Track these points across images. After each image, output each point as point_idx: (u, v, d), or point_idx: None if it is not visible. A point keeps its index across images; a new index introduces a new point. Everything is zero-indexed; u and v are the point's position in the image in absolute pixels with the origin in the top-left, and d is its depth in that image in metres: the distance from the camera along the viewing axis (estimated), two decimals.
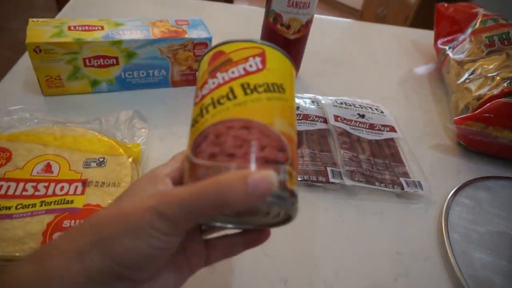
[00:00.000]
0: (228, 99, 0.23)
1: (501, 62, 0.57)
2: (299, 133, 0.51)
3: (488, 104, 0.51)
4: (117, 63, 0.52)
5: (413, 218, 0.45)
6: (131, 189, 0.24)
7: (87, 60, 0.50)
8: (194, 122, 0.25)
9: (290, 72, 0.27)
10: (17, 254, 0.32)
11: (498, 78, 0.54)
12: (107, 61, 0.51)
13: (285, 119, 0.24)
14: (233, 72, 0.24)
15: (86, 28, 0.50)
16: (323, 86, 0.65)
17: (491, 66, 0.57)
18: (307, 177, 0.45)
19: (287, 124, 0.24)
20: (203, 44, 0.54)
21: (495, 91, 0.52)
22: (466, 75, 0.60)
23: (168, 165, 0.25)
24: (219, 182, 0.20)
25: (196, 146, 0.23)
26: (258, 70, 0.25)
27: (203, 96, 0.25)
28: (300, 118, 0.54)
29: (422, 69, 0.76)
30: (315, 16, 0.74)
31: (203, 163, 0.22)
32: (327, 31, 0.86)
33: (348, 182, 0.45)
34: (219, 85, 0.24)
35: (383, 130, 0.55)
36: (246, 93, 0.24)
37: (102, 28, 0.51)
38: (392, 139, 0.54)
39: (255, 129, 0.22)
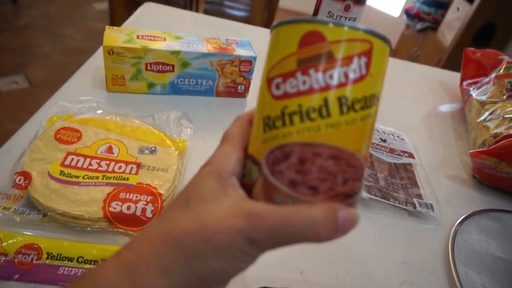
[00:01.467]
0: (321, 115, 0.20)
1: None
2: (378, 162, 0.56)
3: (503, 141, 0.55)
4: (173, 70, 0.60)
5: (422, 236, 0.49)
6: (199, 189, 0.23)
7: (148, 65, 0.58)
8: (271, 124, 0.22)
9: (385, 67, 0.23)
10: (81, 214, 0.39)
11: None
12: (165, 68, 0.59)
13: (370, 139, 0.23)
14: (332, 77, 0.20)
15: (152, 38, 0.59)
16: None
17: (510, 109, 0.61)
18: None
19: (370, 143, 0.23)
20: (248, 62, 0.61)
21: (511, 131, 0.56)
22: (486, 115, 0.65)
23: (229, 158, 0.24)
24: (310, 215, 0.20)
25: (274, 161, 0.21)
26: (361, 78, 0.21)
27: (288, 95, 0.21)
28: (387, 151, 0.59)
29: (446, 107, 0.81)
30: None
31: (283, 189, 0.21)
32: None
33: (365, 194, 0.49)
34: (312, 91, 0.21)
35: (402, 156, 0.59)
36: (342, 112, 0.20)
37: (165, 39, 0.59)
38: (410, 164, 0.58)
39: (343, 160, 0.21)
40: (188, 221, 0.21)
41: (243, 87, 0.65)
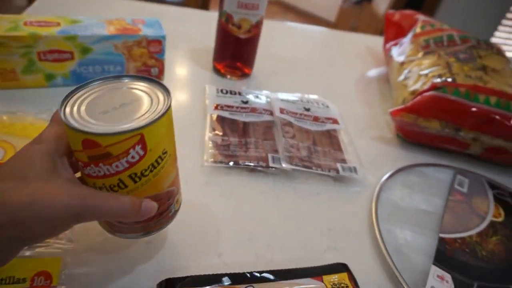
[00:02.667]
0: (120, 187, 0.27)
1: (434, 62, 0.62)
2: (247, 124, 0.54)
3: (418, 97, 0.56)
4: (73, 58, 0.54)
5: (347, 200, 0.48)
6: (34, 166, 0.26)
7: (41, 54, 0.52)
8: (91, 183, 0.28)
9: (168, 119, 0.28)
10: None
11: (429, 75, 0.59)
12: (62, 56, 0.53)
13: (171, 174, 0.31)
14: (117, 166, 0.26)
15: (43, 24, 0.53)
16: (277, 84, 0.69)
17: (425, 65, 0.62)
18: (248, 162, 0.48)
19: (172, 175, 0.31)
20: (157, 41, 0.57)
21: (425, 86, 0.57)
22: (405, 73, 0.65)
23: (61, 139, 0.27)
24: (122, 200, 0.27)
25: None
26: (141, 158, 0.26)
27: (92, 176, 0.27)
28: (249, 111, 0.57)
29: (372, 72, 0.82)
30: (286, 23, 0.79)
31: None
32: (289, 36, 0.91)
33: (285, 165, 0.48)
34: (106, 176, 0.27)
35: (326, 122, 0.58)
36: (135, 182, 0.27)
37: (59, 24, 0.54)
38: (334, 130, 0.58)
39: (159, 197, 0.30)
40: (22, 195, 0.24)
41: (157, 69, 0.60)
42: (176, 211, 0.34)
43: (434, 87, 0.56)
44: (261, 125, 0.55)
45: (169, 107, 0.28)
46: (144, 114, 0.27)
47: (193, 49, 0.74)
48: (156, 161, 0.28)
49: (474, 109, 0.54)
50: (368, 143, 0.59)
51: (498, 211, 0.50)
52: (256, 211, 0.44)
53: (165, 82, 0.63)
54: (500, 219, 0.49)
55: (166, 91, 0.29)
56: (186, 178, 0.46)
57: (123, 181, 0.27)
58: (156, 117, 0.26)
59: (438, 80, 0.57)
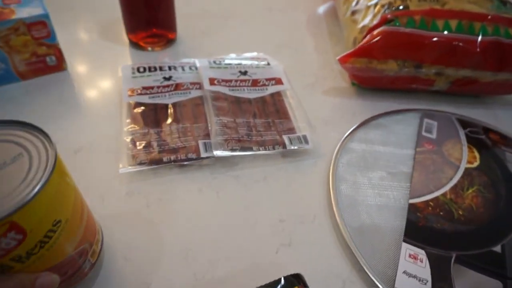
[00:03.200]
0: (7, 269, 0.23)
1: None
2: (171, 107, 0.45)
3: (368, 36, 0.47)
4: None
5: (300, 177, 0.41)
6: None
7: None
8: None
9: (54, 184, 0.23)
10: None
11: (378, 5, 0.49)
12: None
13: (74, 237, 0.26)
14: None
15: None
16: (209, 46, 0.58)
17: None
18: (175, 157, 0.39)
19: (77, 236, 0.26)
20: (40, 23, 0.45)
21: (375, 21, 0.48)
22: (352, 6, 0.55)
23: None
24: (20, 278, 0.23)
25: None
26: (21, 242, 0.22)
27: None
28: (172, 89, 0.47)
29: (320, 9, 0.71)
30: None
31: None
32: None
33: (219, 153, 0.40)
34: None
35: (268, 85, 0.49)
36: (23, 262, 0.23)
37: None
38: (278, 93, 0.49)
39: (64, 268, 0.26)
40: None
41: (53, 58, 0.49)
42: (93, 264, 0.30)
43: (384, 20, 0.47)
44: (189, 105, 0.46)
45: (53, 168, 0.22)
46: (16, 189, 0.21)
47: (102, 20, 0.61)
48: (46, 235, 0.23)
49: (434, 39, 0.45)
50: (320, 100, 0.51)
51: (472, 154, 0.44)
52: (192, 217, 0.37)
53: (71, 70, 0.52)
54: (475, 164, 0.43)
55: (47, 140, 0.24)
56: (101, 192, 0.37)
57: (6, 265, 0.22)
58: (32, 195, 0.21)
59: (388, 10, 0.47)
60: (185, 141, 0.41)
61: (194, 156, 0.40)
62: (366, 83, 0.51)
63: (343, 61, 0.48)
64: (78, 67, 0.52)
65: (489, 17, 0.46)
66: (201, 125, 0.43)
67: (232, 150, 0.40)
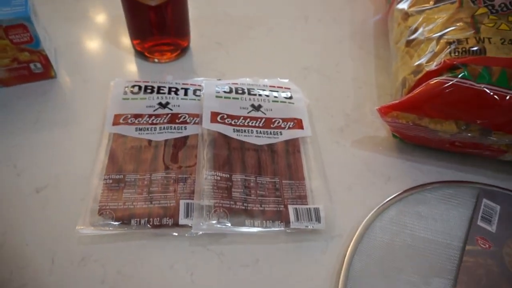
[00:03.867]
0: None
1: (451, 15, 0.39)
2: (158, 147, 0.36)
3: (423, 85, 0.35)
4: None
5: (303, 267, 0.32)
6: None
7: None
8: None
9: None
10: None
11: (443, 40, 0.37)
12: None
13: None
14: None
15: None
16: (223, 62, 0.48)
17: (437, 21, 0.40)
18: (146, 220, 0.31)
19: None
20: (20, 26, 0.38)
21: (434, 64, 0.36)
22: (409, 32, 0.43)
23: None
24: None
25: None
26: None
27: None
28: (165, 121, 0.39)
29: (368, 23, 0.58)
30: None
31: None
32: None
33: (199, 226, 0.31)
34: None
35: (284, 127, 0.40)
36: None
37: None
38: (295, 141, 0.39)
39: None
40: None
41: (39, 64, 0.42)
42: None
43: (447, 66, 0.35)
44: (181, 146, 0.37)
45: None
46: None
47: (109, 19, 0.53)
48: None
49: None
50: (347, 154, 0.40)
51: None
52: None
53: (61, 79, 0.45)
54: None
55: None
56: (53, 251, 0.31)
57: None
58: None
59: (455, 52, 0.35)
60: (164, 198, 0.33)
61: (170, 222, 0.31)
62: (411, 140, 0.40)
63: (383, 112, 0.37)
64: (68, 76, 0.45)
65: None
66: (188, 177, 0.34)
67: (218, 222, 0.31)
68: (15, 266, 0.30)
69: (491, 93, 0.33)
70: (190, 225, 0.31)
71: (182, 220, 0.31)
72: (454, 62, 0.34)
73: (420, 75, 0.37)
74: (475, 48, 0.35)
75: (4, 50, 0.39)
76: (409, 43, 0.42)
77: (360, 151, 0.41)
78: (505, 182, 0.38)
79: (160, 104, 0.40)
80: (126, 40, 0.49)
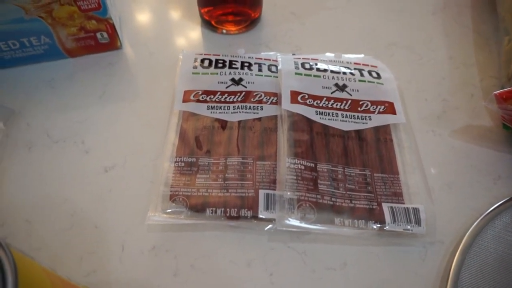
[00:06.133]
0: None
1: None
2: (233, 128, 0.33)
3: None
4: None
5: (397, 276, 0.27)
6: None
7: None
8: None
9: None
10: None
11: None
12: None
13: None
14: None
15: None
16: (298, 36, 0.43)
17: None
18: (222, 210, 0.28)
19: None
20: None
21: None
22: None
23: None
24: None
25: None
26: None
27: None
28: (240, 99, 0.35)
29: None
30: None
31: None
32: None
33: (283, 221, 0.27)
34: None
35: (374, 112, 0.34)
36: None
37: None
38: (386, 128, 0.34)
39: None
40: None
41: (105, 34, 0.39)
42: None
43: None
44: (258, 128, 0.33)
45: None
46: None
47: None
48: None
49: None
50: (446, 145, 0.34)
51: None
52: None
53: (127, 50, 0.42)
54: None
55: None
56: (123, 236, 0.29)
57: None
58: None
59: None
60: (241, 187, 0.29)
61: (249, 214, 0.28)
62: None
63: (503, 98, 0.30)
64: (133, 47, 0.42)
65: None
66: (267, 164, 0.31)
67: (304, 218, 0.27)
68: (84, 251, 0.28)
69: None
70: (271, 218, 0.28)
71: (262, 213, 0.28)
72: None
73: None
74: None
75: (72, 18, 0.37)
76: None
77: (461, 143, 0.35)
78: None
79: (233, 80, 0.36)
80: (192, 8, 0.45)
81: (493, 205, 0.30)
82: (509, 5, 0.38)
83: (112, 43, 0.41)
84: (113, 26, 0.39)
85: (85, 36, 0.39)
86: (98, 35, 0.39)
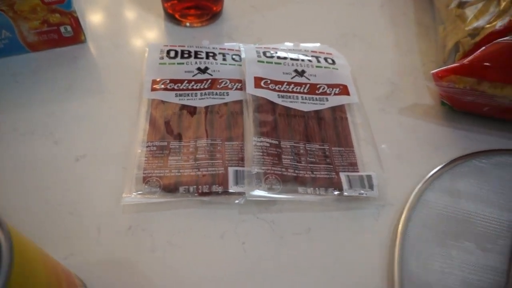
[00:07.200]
0: None
1: None
2: (201, 113, 0.35)
3: (484, 47, 0.33)
4: None
5: (356, 235, 0.31)
6: None
7: None
8: None
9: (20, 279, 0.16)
10: None
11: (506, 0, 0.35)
12: None
13: None
14: None
15: None
16: (259, 27, 0.46)
17: None
18: (194, 188, 0.30)
19: None
20: None
21: (498, 24, 0.33)
22: None
23: None
24: None
25: None
26: None
27: None
28: (207, 86, 0.37)
29: None
30: None
31: None
32: None
33: (253, 194, 0.30)
34: None
35: (330, 93, 0.38)
36: None
37: None
38: (341, 107, 0.37)
39: None
40: None
41: (69, 28, 0.40)
42: None
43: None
44: (224, 112, 0.35)
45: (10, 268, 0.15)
46: None
47: None
48: None
49: None
50: (394, 121, 0.38)
51: None
52: (206, 276, 0.28)
53: (91, 44, 0.43)
54: None
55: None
56: (98, 220, 0.30)
57: None
58: None
59: None
60: (211, 165, 0.31)
61: (220, 189, 0.30)
62: (463, 107, 0.38)
63: (439, 76, 0.34)
64: (98, 41, 0.43)
65: None
66: (235, 144, 0.33)
67: (271, 189, 0.30)
68: (60, 236, 0.29)
69: None
70: (240, 192, 0.30)
71: (232, 188, 0.30)
72: None
73: (479, 38, 0.35)
74: None
75: (34, 11, 0.37)
76: (461, 5, 0.40)
77: (407, 119, 0.39)
78: None
79: (199, 69, 0.38)
80: (155, 2, 0.46)
81: (432, 171, 0.34)
82: (441, 2, 0.43)
83: (76, 37, 0.41)
84: (77, 20, 0.40)
85: (48, 29, 0.39)
86: (62, 28, 0.40)
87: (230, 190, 0.30)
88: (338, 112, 0.36)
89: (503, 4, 0.35)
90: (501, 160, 0.36)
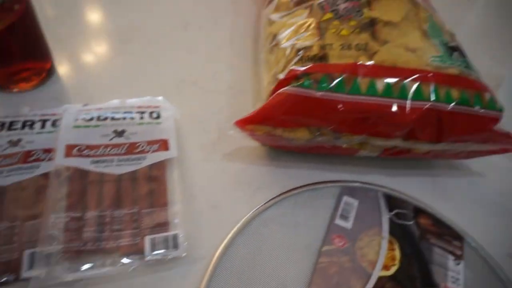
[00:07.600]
0: None
1: (303, 21, 0.40)
2: (2, 193, 0.34)
3: (272, 96, 0.36)
4: None
5: None
6: None
7: None
8: None
9: None
10: None
11: (294, 49, 0.38)
12: None
13: None
14: None
15: None
16: (94, 84, 0.46)
17: (291, 28, 0.41)
18: None
19: None
20: None
21: (281, 75, 0.36)
22: (270, 41, 0.44)
23: None
24: None
25: None
26: None
27: None
28: (16, 160, 0.36)
29: (248, 26, 0.58)
30: None
31: None
32: None
33: (40, 277, 0.29)
34: None
35: (149, 151, 0.38)
36: None
37: None
38: (160, 164, 0.38)
39: None
40: None
41: None
42: None
43: (292, 77, 0.35)
44: (31, 188, 0.35)
45: None
46: None
47: None
48: None
49: (353, 105, 0.35)
50: (218, 168, 0.40)
51: (392, 253, 0.35)
52: None
53: None
54: (392, 270, 0.34)
55: None
56: None
57: None
58: None
59: (301, 61, 0.36)
60: (7, 251, 0.31)
61: (11, 277, 0.29)
62: (279, 147, 0.41)
63: (240, 125, 0.37)
64: None
65: (430, 75, 0.35)
66: (36, 223, 0.32)
67: (69, 268, 0.30)
68: None
69: (329, 100, 0.34)
70: (31, 277, 0.29)
71: (26, 273, 0.29)
72: (298, 72, 0.35)
73: (274, 85, 0.38)
74: (318, 55, 0.36)
75: None
76: (272, 50, 0.43)
77: (230, 164, 0.41)
78: (367, 174, 0.41)
79: (10, 142, 0.37)
80: None
81: (246, 216, 0.36)
82: (261, 42, 0.46)
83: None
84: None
85: None
86: None
87: (23, 276, 0.29)
88: (155, 169, 0.37)
89: (292, 52, 0.38)
90: (313, 194, 0.39)
